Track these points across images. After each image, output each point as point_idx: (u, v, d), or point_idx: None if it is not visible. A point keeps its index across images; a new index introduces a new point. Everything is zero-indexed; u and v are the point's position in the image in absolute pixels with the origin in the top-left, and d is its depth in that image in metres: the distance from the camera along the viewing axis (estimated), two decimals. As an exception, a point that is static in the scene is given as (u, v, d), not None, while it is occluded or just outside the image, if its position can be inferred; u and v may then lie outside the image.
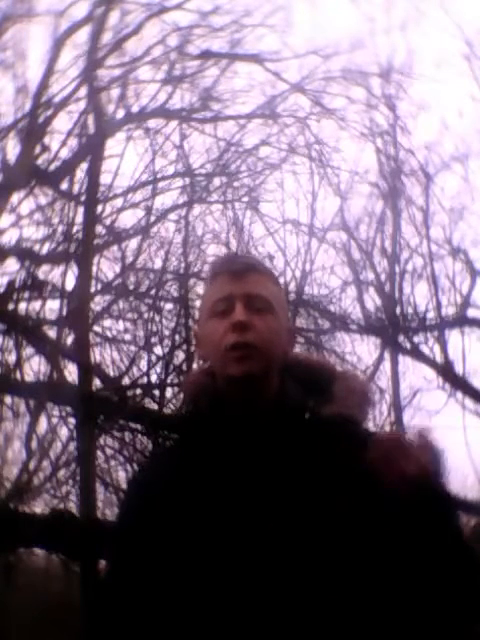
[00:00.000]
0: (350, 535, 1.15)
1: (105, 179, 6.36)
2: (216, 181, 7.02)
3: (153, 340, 6.09)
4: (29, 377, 5.45)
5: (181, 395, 5.68)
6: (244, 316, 1.32)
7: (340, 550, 1.14)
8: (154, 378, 5.98)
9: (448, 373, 6.95)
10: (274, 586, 1.13)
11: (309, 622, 1.11)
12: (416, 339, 7.16)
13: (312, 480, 1.21)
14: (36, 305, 5.64)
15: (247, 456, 1.25)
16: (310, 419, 1.33)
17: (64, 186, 6.21)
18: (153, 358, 6.03)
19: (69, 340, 5.75)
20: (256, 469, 1.23)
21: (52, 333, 5.66)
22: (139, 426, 5.58)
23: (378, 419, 7.02)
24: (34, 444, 5.34)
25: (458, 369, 6.96)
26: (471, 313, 7.27)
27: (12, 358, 5.39)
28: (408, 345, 7.16)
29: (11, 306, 5.55)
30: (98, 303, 6.33)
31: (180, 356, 6.02)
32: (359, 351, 7.11)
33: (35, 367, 5.56)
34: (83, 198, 6.18)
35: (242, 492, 1.21)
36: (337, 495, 1.17)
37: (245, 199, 7.09)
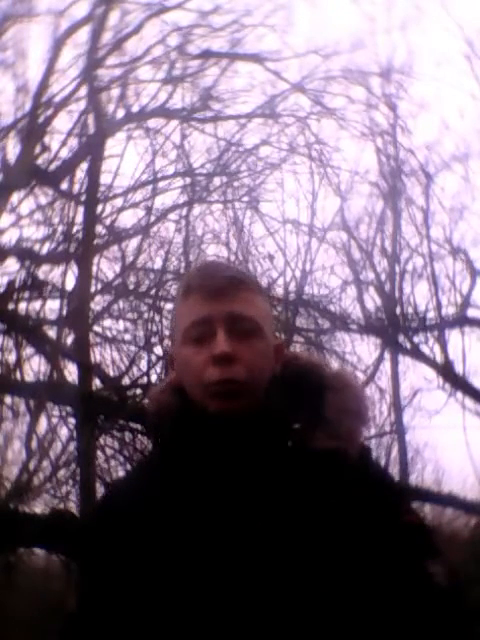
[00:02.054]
0: (326, 565, 1.07)
1: (105, 179, 6.38)
2: (216, 181, 7.02)
3: (153, 340, 6.09)
4: (29, 377, 5.47)
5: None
6: (228, 346, 1.13)
7: (315, 578, 1.06)
8: (154, 378, 5.98)
9: (448, 373, 6.95)
10: (246, 609, 1.05)
11: None
12: (416, 339, 7.16)
13: (289, 513, 1.10)
14: (36, 305, 5.65)
15: (221, 485, 1.12)
16: (293, 448, 1.17)
17: (64, 186, 6.21)
18: (153, 358, 6.04)
19: (69, 340, 5.76)
20: (230, 495, 1.11)
21: (52, 333, 5.66)
22: (139, 426, 5.58)
23: (378, 419, 7.04)
24: (34, 444, 5.35)
25: (458, 369, 6.97)
26: (471, 313, 7.28)
27: (12, 358, 5.40)
28: (408, 345, 7.16)
29: (11, 306, 5.55)
30: (98, 303, 6.34)
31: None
32: (359, 351, 7.13)
33: (35, 367, 5.57)
34: (83, 198, 6.19)
35: (212, 519, 1.10)
36: (314, 531, 1.08)
37: (245, 199, 7.10)
